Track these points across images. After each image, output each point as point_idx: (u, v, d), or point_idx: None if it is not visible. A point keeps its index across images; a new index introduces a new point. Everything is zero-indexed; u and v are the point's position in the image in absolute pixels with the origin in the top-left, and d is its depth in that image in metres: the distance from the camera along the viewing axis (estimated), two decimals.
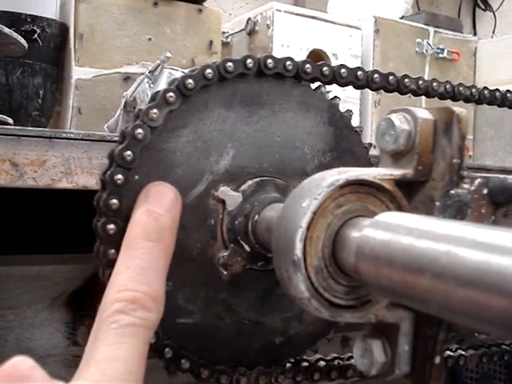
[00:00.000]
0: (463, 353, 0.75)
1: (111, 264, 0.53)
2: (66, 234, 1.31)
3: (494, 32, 3.49)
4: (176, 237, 0.50)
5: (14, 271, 1.37)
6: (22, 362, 0.41)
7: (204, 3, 1.91)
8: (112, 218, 0.52)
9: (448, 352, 0.74)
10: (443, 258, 0.34)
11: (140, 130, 0.53)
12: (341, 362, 0.67)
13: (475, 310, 0.33)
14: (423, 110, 0.47)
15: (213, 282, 0.59)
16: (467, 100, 0.76)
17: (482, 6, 3.56)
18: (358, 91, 2.07)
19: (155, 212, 0.50)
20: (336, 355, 0.68)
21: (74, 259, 1.38)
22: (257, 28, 2.05)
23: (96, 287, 1.51)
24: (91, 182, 0.84)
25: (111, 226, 0.52)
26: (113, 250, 0.52)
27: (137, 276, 0.46)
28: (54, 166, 0.82)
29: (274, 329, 0.62)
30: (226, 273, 0.58)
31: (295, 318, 0.63)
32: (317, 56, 2.07)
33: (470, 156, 2.41)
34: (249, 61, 0.59)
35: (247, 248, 0.58)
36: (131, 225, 0.50)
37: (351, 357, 0.67)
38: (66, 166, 0.83)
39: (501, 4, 3.49)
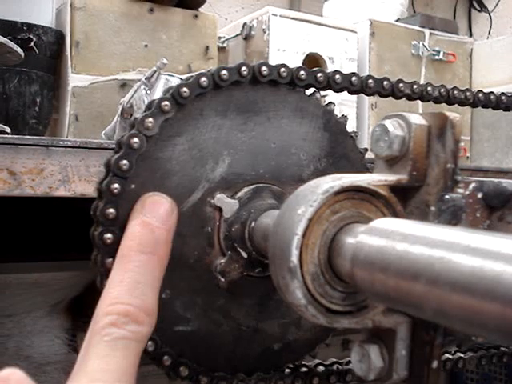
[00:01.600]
0: (462, 355, 0.76)
1: (108, 273, 0.53)
2: (64, 242, 1.31)
3: (489, 33, 3.50)
4: (171, 248, 0.50)
5: (13, 279, 1.37)
6: (12, 374, 0.41)
7: (199, 9, 1.91)
8: (109, 228, 0.53)
9: (447, 355, 0.75)
10: (437, 263, 0.34)
11: (136, 139, 0.54)
12: (340, 366, 0.67)
13: (470, 315, 0.33)
14: (417, 116, 0.48)
15: (210, 289, 0.59)
16: (462, 103, 0.76)
17: (478, 7, 3.57)
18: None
19: (150, 224, 0.50)
20: (335, 360, 0.68)
21: (73, 266, 1.38)
22: (253, 32, 2.05)
23: (96, 294, 1.51)
24: (89, 189, 0.84)
25: (108, 236, 0.52)
26: (110, 259, 0.52)
27: (130, 289, 0.46)
28: (51, 174, 0.83)
29: (272, 335, 0.62)
30: (223, 280, 0.58)
31: (293, 324, 0.63)
32: (313, 60, 2.07)
33: (467, 157, 2.42)
34: (243, 68, 0.59)
35: (244, 255, 0.58)
36: (126, 236, 0.50)
37: (350, 361, 0.67)
38: (64, 173, 0.83)
39: (496, 5, 3.49)
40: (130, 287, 0.46)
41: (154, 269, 0.48)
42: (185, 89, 0.56)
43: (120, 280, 0.47)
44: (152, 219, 0.50)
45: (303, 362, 0.66)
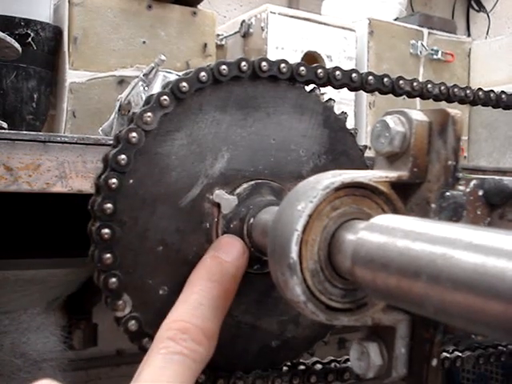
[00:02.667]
0: (460, 354, 0.75)
1: (106, 269, 0.53)
2: (61, 238, 1.30)
3: (487, 33, 3.50)
4: (237, 287, 0.52)
5: (10, 275, 1.36)
6: None
7: (198, 6, 1.90)
8: (107, 223, 0.52)
9: (444, 353, 0.74)
10: (439, 260, 0.34)
11: (134, 134, 0.53)
12: (338, 364, 0.67)
13: (472, 312, 0.32)
14: (418, 112, 0.47)
15: None
16: (462, 101, 0.76)
17: (476, 7, 3.57)
18: (353, 93, 2.08)
19: (220, 257, 0.52)
20: (333, 358, 0.67)
21: (70, 263, 1.38)
22: (251, 30, 2.05)
23: (92, 291, 1.51)
24: (86, 185, 0.84)
25: (106, 231, 0.52)
26: (108, 255, 0.52)
27: (192, 309, 0.48)
28: (48, 170, 0.82)
29: (271, 332, 0.62)
30: None
31: (292, 321, 0.63)
32: (311, 58, 2.07)
33: (465, 157, 2.42)
34: (243, 63, 0.59)
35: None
36: (196, 267, 0.52)
37: (348, 359, 0.67)
38: (61, 169, 0.83)
39: (494, 5, 3.49)
40: (193, 307, 0.48)
41: (218, 297, 0.50)
42: (184, 83, 0.56)
43: (184, 300, 0.49)
44: (223, 254, 0.53)
45: (301, 360, 0.65)
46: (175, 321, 0.47)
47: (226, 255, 0.52)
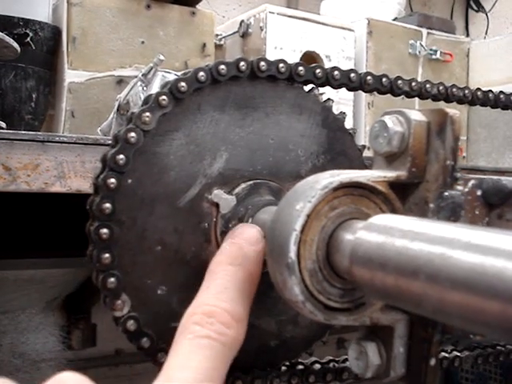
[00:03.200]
0: (458, 354, 0.75)
1: (104, 269, 0.53)
2: (60, 238, 1.30)
3: (486, 33, 3.50)
4: (260, 272, 0.50)
5: (8, 275, 1.36)
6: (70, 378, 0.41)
7: (197, 6, 1.90)
8: (105, 223, 0.52)
9: (443, 353, 0.74)
10: (437, 260, 0.34)
11: (133, 134, 0.53)
12: (336, 364, 0.67)
13: (470, 312, 0.33)
14: (416, 112, 0.47)
15: None
16: (460, 101, 0.76)
17: (475, 7, 3.57)
18: (352, 93, 2.08)
19: (239, 243, 0.50)
20: (331, 358, 0.67)
21: (69, 263, 1.38)
22: (250, 30, 2.05)
23: (90, 291, 1.51)
24: (85, 185, 0.84)
25: (104, 231, 0.52)
26: (106, 255, 0.52)
27: (216, 293, 0.46)
28: (47, 170, 0.82)
29: (269, 332, 0.62)
30: None
31: (290, 321, 0.63)
32: (310, 58, 2.07)
33: (464, 157, 2.42)
34: (242, 63, 0.59)
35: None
36: (215, 256, 0.50)
37: (346, 359, 0.67)
38: (60, 169, 0.83)
39: (493, 5, 3.49)
40: (217, 292, 0.46)
41: (243, 280, 0.48)
42: (183, 83, 0.56)
43: (207, 287, 0.47)
44: (240, 240, 0.50)
45: (300, 360, 0.65)
46: (199, 306, 0.45)
47: (244, 241, 0.50)
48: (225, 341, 0.44)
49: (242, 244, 0.50)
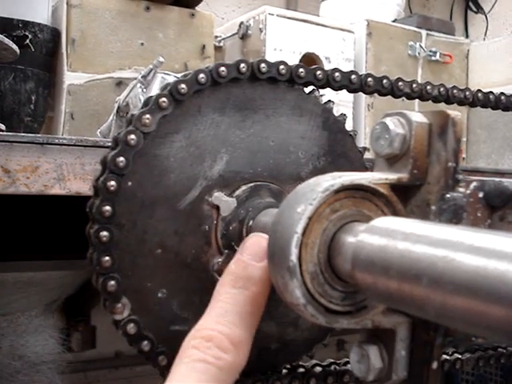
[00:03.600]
0: (460, 356, 0.75)
1: (104, 272, 0.52)
2: (59, 240, 1.30)
3: (486, 34, 3.50)
4: (269, 288, 0.49)
5: (8, 277, 1.36)
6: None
7: (196, 7, 1.90)
8: (105, 225, 0.52)
9: (444, 356, 0.74)
10: (440, 263, 0.34)
11: (133, 136, 0.53)
12: (337, 367, 0.66)
13: (473, 316, 0.32)
14: (418, 114, 0.47)
15: (208, 288, 0.58)
16: (461, 103, 0.75)
17: (474, 9, 3.57)
18: (351, 94, 2.08)
19: (244, 261, 0.49)
20: (332, 360, 0.67)
21: (68, 265, 1.38)
22: (249, 32, 2.05)
23: (90, 293, 1.50)
24: (84, 187, 0.83)
25: (104, 233, 0.52)
26: (106, 258, 0.52)
27: (216, 317, 0.46)
28: (46, 172, 0.82)
29: (270, 335, 0.62)
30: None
31: (291, 324, 0.62)
32: (309, 59, 2.07)
33: (464, 158, 2.42)
34: (242, 65, 0.58)
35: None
36: (222, 275, 0.50)
37: (348, 362, 0.66)
38: (59, 171, 0.83)
39: (492, 6, 3.49)
40: (217, 315, 0.46)
41: (244, 302, 0.48)
42: (183, 85, 0.55)
43: (209, 310, 0.47)
44: (248, 257, 0.50)
45: (300, 363, 0.65)
46: (199, 330, 0.46)
47: (250, 257, 0.50)
48: (222, 365, 0.44)
49: (246, 262, 0.49)
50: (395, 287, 0.37)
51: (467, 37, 3.38)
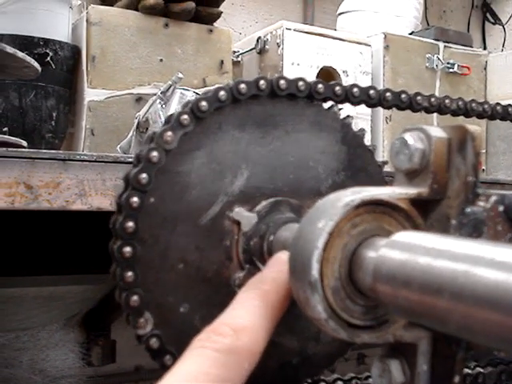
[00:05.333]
0: (481, 370, 0.75)
1: (127, 287, 0.53)
2: (79, 255, 1.31)
3: (503, 45, 3.49)
4: (286, 289, 0.50)
5: (29, 292, 1.37)
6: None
7: (214, 23, 1.92)
8: (128, 241, 0.53)
9: (466, 370, 0.74)
10: (461, 277, 0.34)
11: (155, 153, 0.54)
12: (358, 381, 0.66)
13: (494, 329, 0.32)
14: (437, 129, 0.47)
15: (229, 302, 0.58)
16: (480, 116, 0.76)
17: (492, 20, 3.56)
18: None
19: (261, 273, 0.51)
20: (354, 375, 0.67)
21: (89, 279, 1.39)
22: (267, 47, 2.06)
23: (110, 308, 1.51)
24: (105, 203, 0.84)
25: (127, 249, 0.52)
26: (129, 273, 0.53)
27: (225, 314, 0.47)
28: (68, 188, 0.83)
29: (291, 349, 0.62)
30: None
31: (312, 338, 0.62)
32: (327, 73, 2.08)
33: (483, 170, 2.41)
34: (261, 82, 0.59)
35: (263, 268, 0.58)
36: None
37: (369, 376, 0.66)
38: (80, 187, 0.84)
39: (510, 17, 3.49)
40: (226, 313, 0.47)
41: (252, 298, 0.48)
42: (203, 103, 0.56)
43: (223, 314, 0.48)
44: (264, 269, 0.51)
45: (322, 377, 0.65)
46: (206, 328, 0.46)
47: (267, 269, 0.51)
48: (218, 348, 0.44)
49: (262, 273, 0.51)
50: (417, 301, 0.37)
51: (485, 48, 3.37)
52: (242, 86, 0.58)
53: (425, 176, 0.47)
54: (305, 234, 0.45)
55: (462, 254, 0.35)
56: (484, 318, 0.33)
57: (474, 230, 0.46)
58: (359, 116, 2.01)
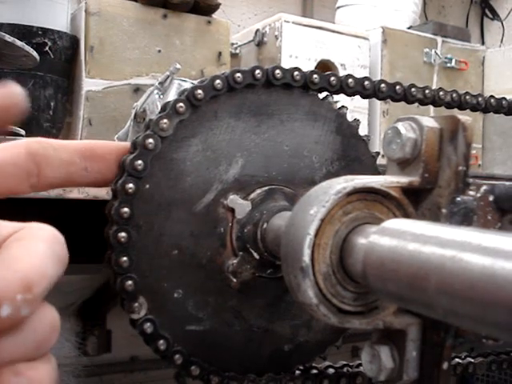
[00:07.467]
0: (472, 360, 0.76)
1: (122, 272, 0.54)
2: (75, 245, 1.31)
3: (502, 41, 3.49)
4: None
5: None
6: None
7: (213, 15, 1.92)
8: (123, 226, 0.53)
9: (457, 359, 0.75)
10: (448, 263, 0.35)
11: (151, 140, 0.54)
12: (350, 369, 0.67)
13: (481, 314, 0.33)
14: (429, 119, 0.48)
15: (222, 289, 0.59)
16: (474, 108, 0.76)
17: (490, 16, 3.56)
18: (366, 101, 2.08)
19: None
20: (345, 362, 0.68)
21: (85, 269, 1.39)
22: (265, 39, 2.06)
23: (106, 298, 1.51)
24: (102, 192, 0.85)
25: (122, 234, 0.53)
26: (124, 258, 0.53)
27: None
28: None
29: (283, 336, 0.63)
30: (235, 280, 0.59)
31: (304, 325, 0.63)
32: (325, 66, 2.08)
33: (480, 165, 2.41)
34: (257, 71, 0.60)
35: (256, 256, 0.59)
36: None
37: (360, 364, 0.67)
38: None
39: (509, 13, 3.48)
40: None
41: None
42: (199, 91, 0.57)
43: None
44: None
45: (313, 364, 0.66)
46: None
47: None
48: None
49: None
50: (405, 287, 0.38)
51: (483, 43, 3.37)
52: (238, 74, 0.58)
53: (416, 165, 0.48)
54: (297, 221, 0.45)
55: (450, 240, 0.36)
56: (470, 302, 0.33)
57: (464, 218, 0.47)
58: (356, 110, 2.02)
